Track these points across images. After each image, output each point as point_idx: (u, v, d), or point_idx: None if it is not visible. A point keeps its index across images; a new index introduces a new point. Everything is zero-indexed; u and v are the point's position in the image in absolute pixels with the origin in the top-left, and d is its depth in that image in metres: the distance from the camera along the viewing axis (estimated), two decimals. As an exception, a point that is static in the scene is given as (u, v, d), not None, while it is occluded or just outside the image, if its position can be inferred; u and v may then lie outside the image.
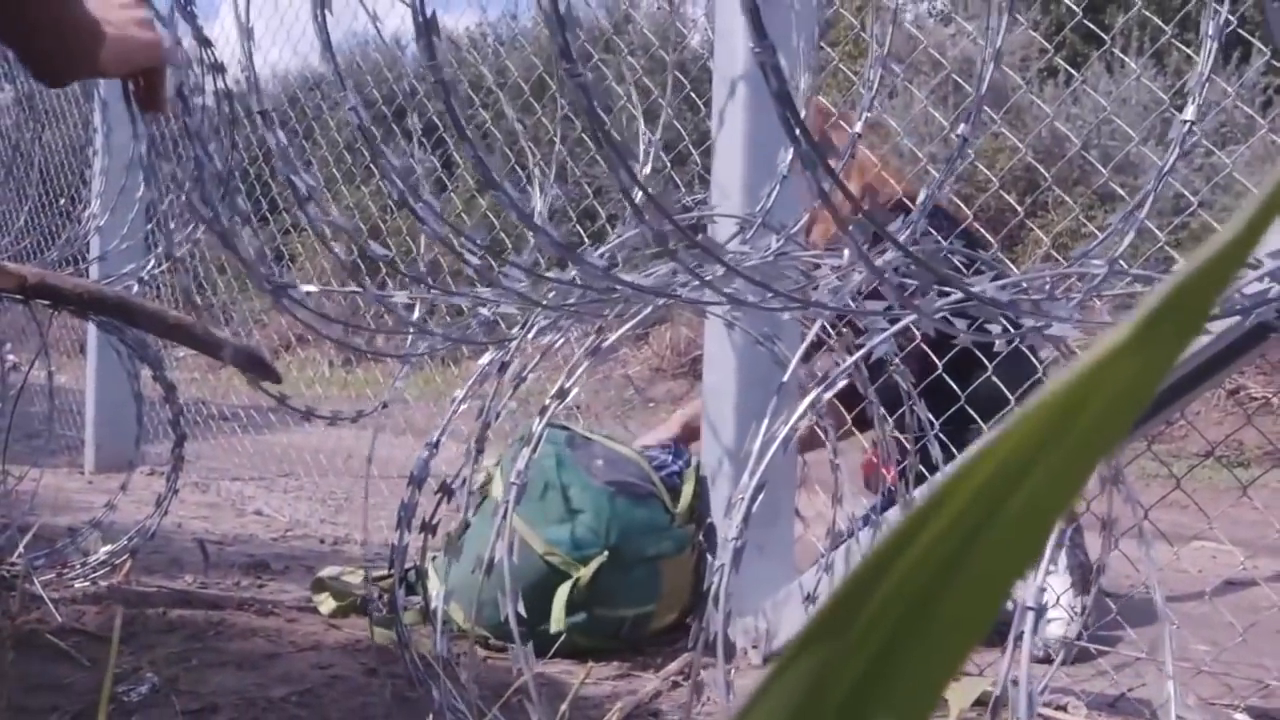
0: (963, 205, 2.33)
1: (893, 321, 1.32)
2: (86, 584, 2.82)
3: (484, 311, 1.84)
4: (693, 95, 3.15)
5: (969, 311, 1.23)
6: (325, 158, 5.17)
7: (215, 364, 2.83)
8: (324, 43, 1.45)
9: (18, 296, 2.55)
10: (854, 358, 1.34)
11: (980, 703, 1.98)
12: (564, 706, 1.45)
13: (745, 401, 2.45)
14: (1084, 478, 0.18)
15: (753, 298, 1.24)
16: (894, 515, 2.03)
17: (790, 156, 2.01)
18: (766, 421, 1.30)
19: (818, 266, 1.50)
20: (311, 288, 1.72)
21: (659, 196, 1.12)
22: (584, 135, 3.63)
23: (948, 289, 1.25)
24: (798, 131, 0.86)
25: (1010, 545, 0.18)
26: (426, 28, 1.24)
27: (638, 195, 1.14)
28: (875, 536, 2.03)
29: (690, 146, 3.06)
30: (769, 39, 0.94)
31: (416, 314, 1.67)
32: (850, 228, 0.94)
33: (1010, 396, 2.38)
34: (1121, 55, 2.96)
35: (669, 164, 3.14)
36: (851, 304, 1.26)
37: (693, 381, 10.90)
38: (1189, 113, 1.46)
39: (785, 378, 1.42)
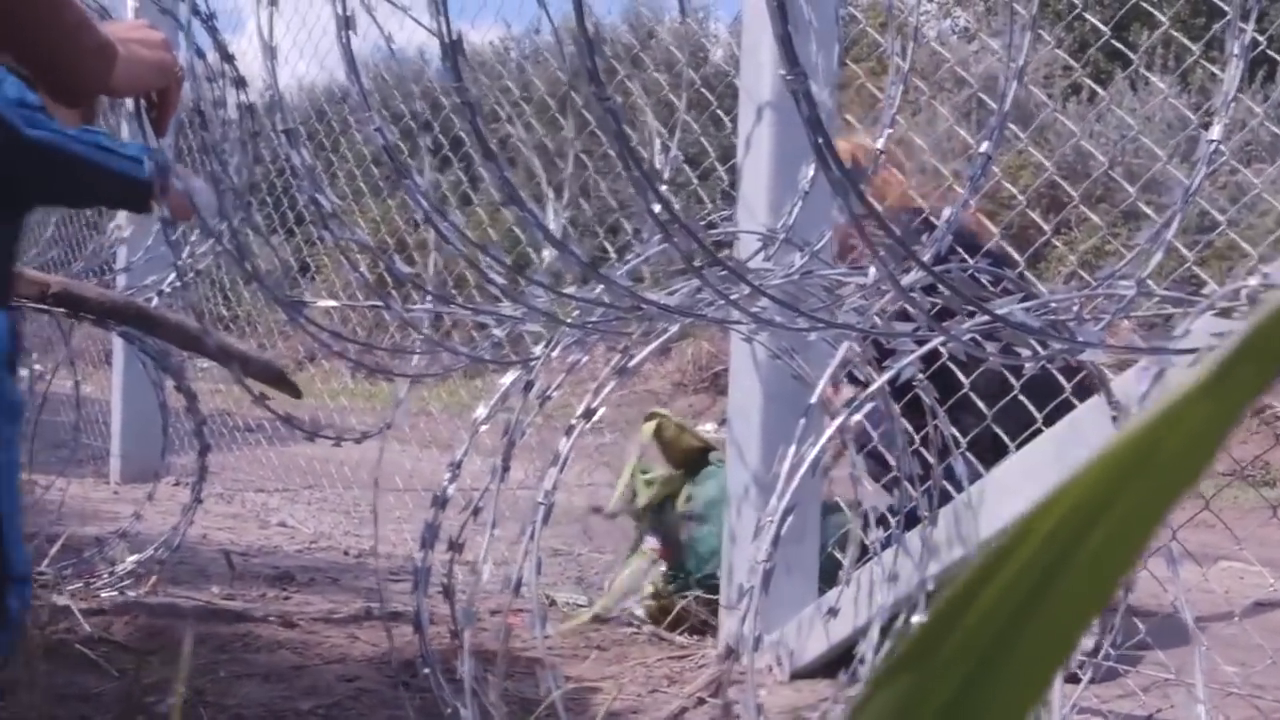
0: (987, 223, 2.32)
1: (920, 343, 1.32)
2: (114, 594, 2.83)
3: (497, 332, 1.84)
4: (718, 112, 3.15)
5: (996, 333, 1.23)
6: (352, 171, 5.19)
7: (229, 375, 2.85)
8: (349, 63, 1.46)
9: (41, 305, 2.57)
10: (881, 379, 1.34)
11: None
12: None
13: (770, 420, 2.45)
14: (1158, 520, 0.19)
15: (779, 318, 1.24)
16: (914, 536, 2.03)
17: (812, 172, 2.01)
18: (794, 446, 1.30)
19: (842, 285, 1.50)
20: (330, 303, 1.73)
21: (687, 218, 1.12)
22: (609, 152, 3.65)
23: (974, 310, 1.25)
24: (829, 157, 0.86)
25: (1085, 584, 0.18)
26: (453, 49, 1.25)
27: (662, 214, 1.15)
28: (896, 555, 2.02)
29: (716, 163, 3.06)
30: (800, 66, 0.94)
31: (430, 330, 1.68)
32: (881, 251, 0.94)
33: (1034, 411, 2.37)
34: (1146, 73, 2.95)
35: (695, 179, 3.15)
36: (878, 324, 1.26)
37: (715, 396, 10.88)
38: (1215, 132, 1.45)
39: (813, 399, 1.42)
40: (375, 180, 5.33)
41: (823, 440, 1.31)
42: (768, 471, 2.49)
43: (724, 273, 1.25)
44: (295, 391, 2.53)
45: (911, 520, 2.10)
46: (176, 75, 1.64)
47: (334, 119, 5.42)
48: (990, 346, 1.17)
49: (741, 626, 1.33)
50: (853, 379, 1.58)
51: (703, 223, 2.27)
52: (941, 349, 1.30)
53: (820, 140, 0.86)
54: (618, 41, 5.09)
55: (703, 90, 3.00)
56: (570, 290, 1.48)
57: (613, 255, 2.27)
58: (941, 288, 1.08)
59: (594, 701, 2.07)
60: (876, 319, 1.26)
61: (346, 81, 1.50)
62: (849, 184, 0.87)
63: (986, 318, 1.10)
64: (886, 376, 1.36)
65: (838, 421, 1.32)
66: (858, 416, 1.33)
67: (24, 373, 4.30)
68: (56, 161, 1.63)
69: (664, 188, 2.13)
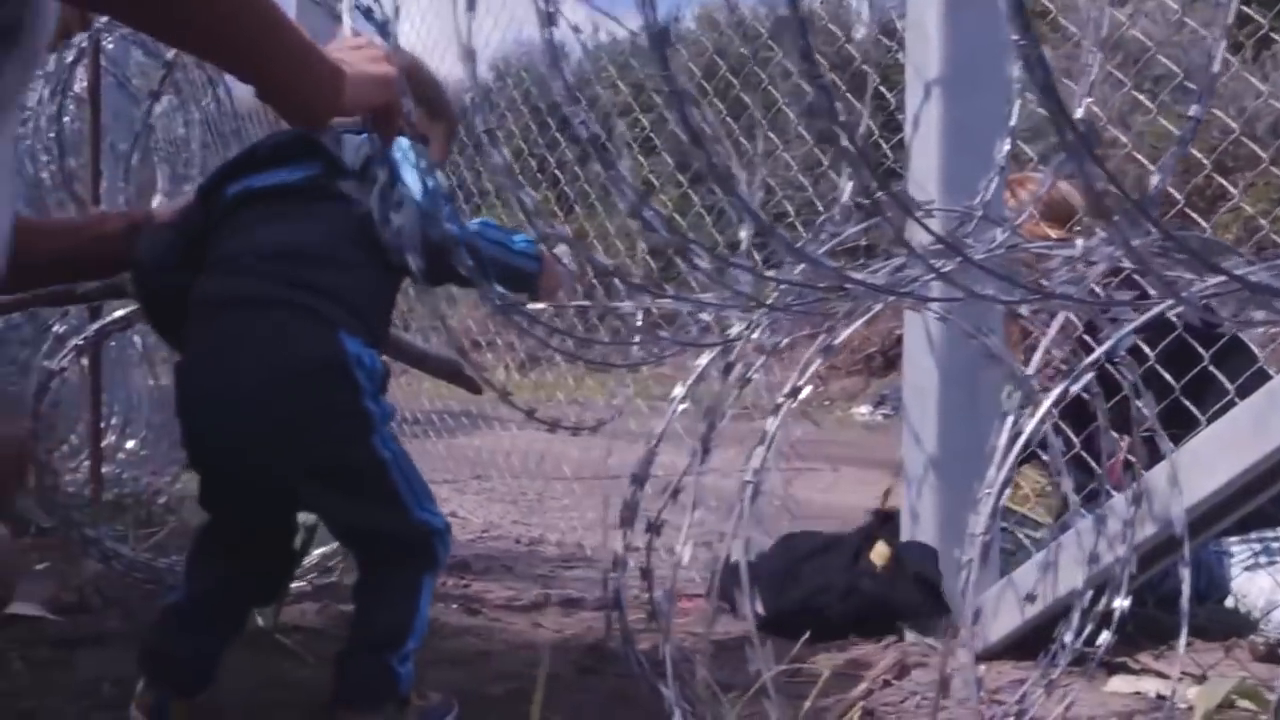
0: (1173, 191, 2.25)
1: (1141, 312, 1.29)
2: (303, 584, 2.93)
3: (704, 316, 1.86)
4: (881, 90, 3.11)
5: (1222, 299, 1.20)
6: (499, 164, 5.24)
7: (401, 368, 2.92)
8: (551, 57, 1.48)
9: None
10: (1099, 351, 1.31)
11: (1227, 705, 1.91)
12: (807, 705, 1.46)
13: (947, 401, 2.43)
14: None
15: (993, 291, 1.23)
16: (1119, 506, 1.97)
17: (1007, 148, 1.98)
18: (1011, 419, 1.28)
19: (1047, 258, 1.48)
20: (541, 305, 1.77)
21: (901, 196, 1.12)
22: (767, 135, 3.63)
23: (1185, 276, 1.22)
24: (1065, 121, 0.85)
25: None
26: (659, 39, 1.26)
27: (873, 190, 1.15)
28: (1099, 530, 1.98)
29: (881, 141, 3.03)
30: (1033, 31, 0.93)
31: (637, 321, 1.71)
32: (1115, 218, 0.92)
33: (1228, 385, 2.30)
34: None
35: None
36: (1094, 297, 1.24)
37: (867, 379, 10.78)
38: None
39: (1030, 369, 1.40)
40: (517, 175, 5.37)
41: (1041, 412, 1.30)
42: (945, 453, 2.46)
43: (936, 247, 1.25)
44: (476, 389, 2.58)
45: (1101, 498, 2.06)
46: (396, 90, 1.70)
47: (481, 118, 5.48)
48: (1223, 312, 1.14)
49: (961, 600, 1.32)
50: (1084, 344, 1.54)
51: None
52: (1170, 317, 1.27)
53: (1055, 106, 0.85)
54: (757, 22, 5.05)
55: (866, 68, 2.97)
56: (771, 273, 1.48)
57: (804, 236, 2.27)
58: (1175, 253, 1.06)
59: (796, 682, 2.07)
60: (1090, 293, 1.24)
61: (484, 71, 1.52)
62: (1086, 147, 0.86)
63: (1220, 280, 1.07)
64: (1108, 345, 1.34)
65: (1056, 392, 1.31)
66: (1077, 387, 1.31)
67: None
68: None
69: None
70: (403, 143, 1.90)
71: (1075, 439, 2.35)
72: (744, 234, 1.61)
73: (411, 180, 1.80)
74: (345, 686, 1.88)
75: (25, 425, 2.12)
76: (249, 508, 1.94)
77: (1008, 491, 1.43)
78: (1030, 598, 1.97)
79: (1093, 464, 2.25)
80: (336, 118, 1.68)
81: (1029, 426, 1.30)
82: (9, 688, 2.15)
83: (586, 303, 1.52)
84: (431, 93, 2.18)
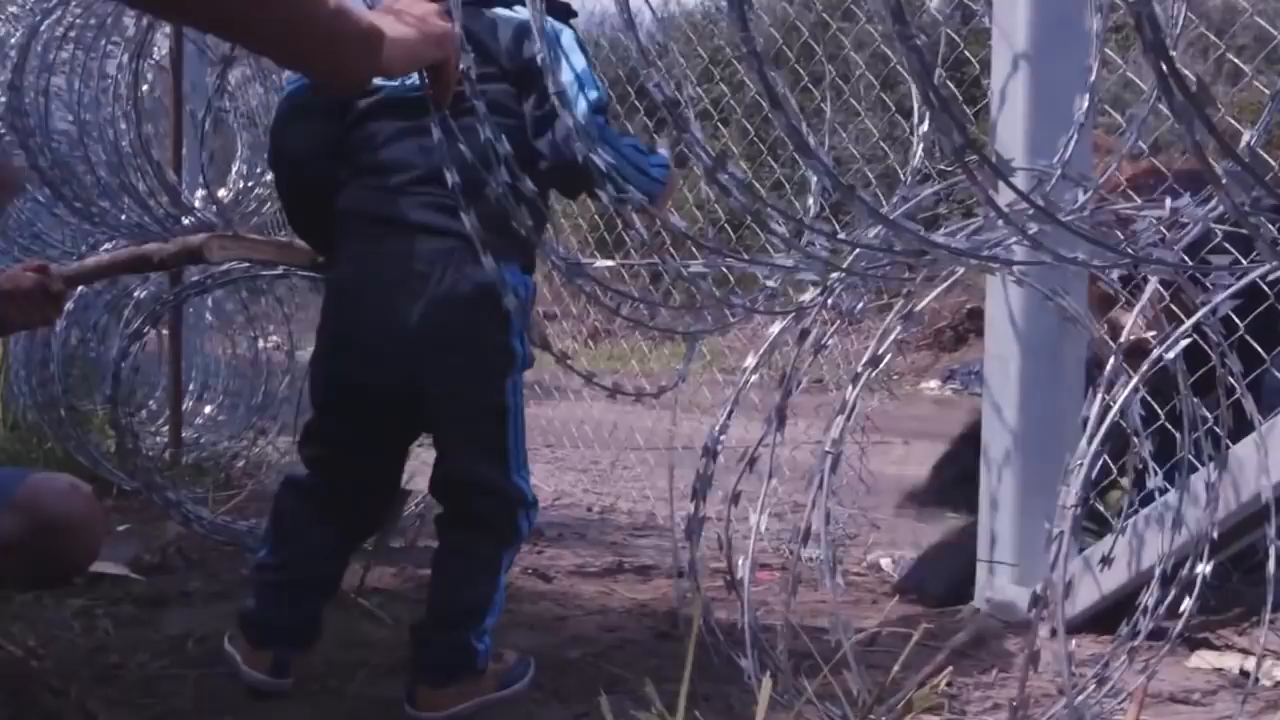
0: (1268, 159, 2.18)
1: (1239, 276, 1.26)
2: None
3: (770, 283, 1.84)
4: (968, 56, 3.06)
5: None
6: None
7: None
8: (626, 20, 1.47)
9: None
10: (1199, 314, 1.28)
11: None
12: (888, 680, 1.44)
13: (1028, 374, 2.38)
14: None
15: (1083, 255, 1.20)
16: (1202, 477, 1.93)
17: (1086, 104, 1.93)
18: (1102, 392, 1.25)
19: (1133, 220, 1.44)
20: (608, 263, 1.76)
21: (991, 157, 1.10)
22: (850, 101, 3.59)
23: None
24: (1174, 83, 0.82)
25: None
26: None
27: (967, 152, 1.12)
28: (1180, 501, 1.93)
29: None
30: (1145, -13, 0.90)
31: (709, 285, 1.69)
32: (1224, 180, 0.89)
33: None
34: None
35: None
36: (1189, 260, 1.20)
37: (936, 353, 10.65)
38: None
39: (1123, 339, 1.36)
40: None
41: (1135, 382, 1.26)
42: (1027, 429, 2.41)
43: (1020, 208, 1.22)
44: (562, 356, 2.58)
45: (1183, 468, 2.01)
46: (452, 46, 1.67)
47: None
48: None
49: (1051, 574, 1.30)
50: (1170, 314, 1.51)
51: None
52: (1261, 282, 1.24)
53: (1165, 65, 0.82)
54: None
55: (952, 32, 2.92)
56: (849, 236, 1.46)
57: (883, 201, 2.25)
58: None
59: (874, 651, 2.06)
60: (1186, 257, 1.20)
61: (623, 37, 1.51)
62: (1197, 108, 0.83)
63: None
64: (1205, 310, 1.30)
65: (1151, 357, 1.27)
66: (1171, 354, 1.27)
67: (263, 343, 4.58)
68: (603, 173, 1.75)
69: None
70: (559, 31, 1.89)
71: (1157, 407, 2.30)
72: (811, 201, 1.59)
73: (573, 91, 1.80)
74: (425, 664, 1.92)
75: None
76: (370, 438, 1.99)
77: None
78: (1107, 560, 1.93)
79: (1174, 432, 2.20)
80: (379, 79, 1.66)
81: (1120, 397, 1.27)
82: (97, 643, 2.21)
83: (655, 261, 1.50)
84: None
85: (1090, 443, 1.26)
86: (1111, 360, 1.30)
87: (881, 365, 1.50)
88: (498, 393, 1.89)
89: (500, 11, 1.95)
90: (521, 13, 1.88)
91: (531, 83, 1.85)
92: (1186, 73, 0.91)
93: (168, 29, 3.74)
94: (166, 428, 4.23)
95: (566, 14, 2.04)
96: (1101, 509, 2.37)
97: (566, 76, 1.83)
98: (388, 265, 1.87)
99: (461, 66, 1.69)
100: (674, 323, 1.87)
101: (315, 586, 2.02)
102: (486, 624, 1.92)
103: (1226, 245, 1.75)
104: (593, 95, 1.85)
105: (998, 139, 2.28)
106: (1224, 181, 0.89)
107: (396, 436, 2.05)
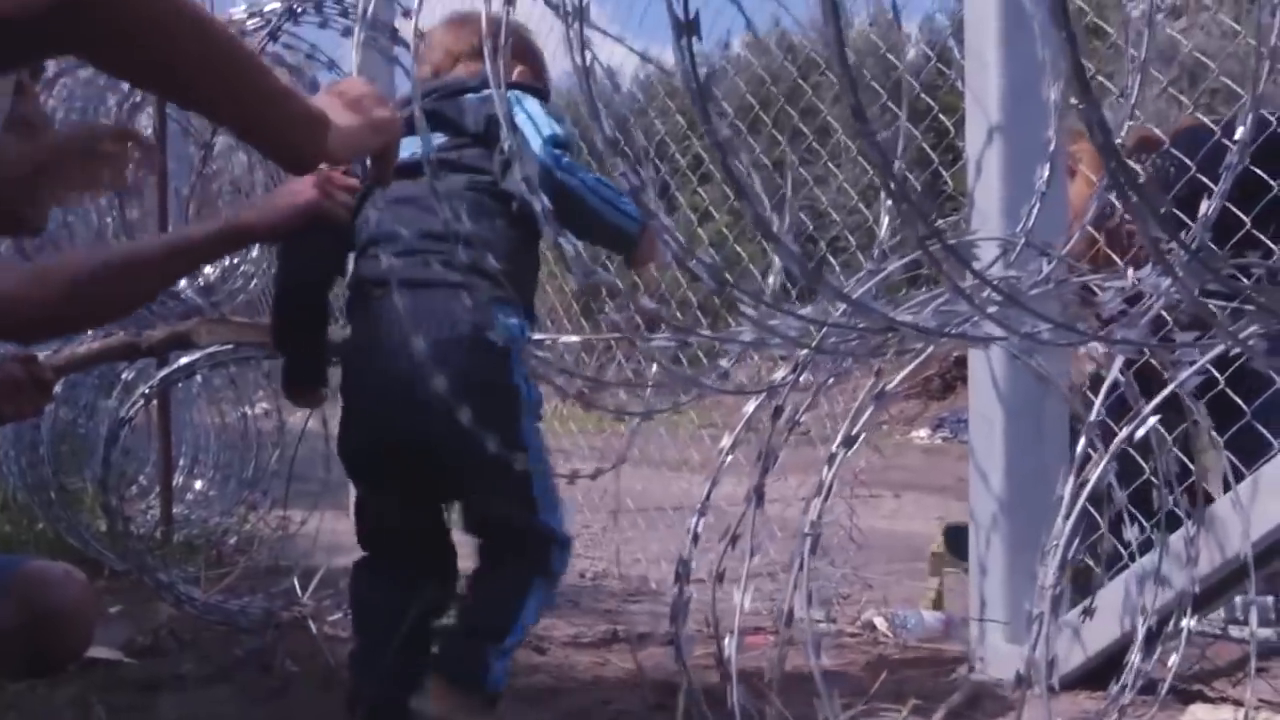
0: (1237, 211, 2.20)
1: (1206, 351, 1.27)
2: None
3: (724, 364, 1.87)
4: (942, 117, 3.10)
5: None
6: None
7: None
8: (590, 106, 1.50)
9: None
10: (1165, 391, 1.29)
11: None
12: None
13: (1012, 429, 2.40)
14: None
15: (1047, 335, 1.22)
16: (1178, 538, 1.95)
17: (1048, 173, 1.97)
18: (1073, 474, 1.27)
19: (1096, 291, 1.46)
20: (572, 338, 1.78)
21: (960, 248, 1.12)
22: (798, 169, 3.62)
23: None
24: (1127, 182, 0.84)
25: None
26: (701, 93, 1.27)
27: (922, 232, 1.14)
28: (1162, 558, 1.95)
29: (942, 168, 3.02)
30: (1093, 94, 0.92)
31: (668, 362, 1.71)
32: (1178, 273, 0.91)
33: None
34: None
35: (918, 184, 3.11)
36: (1153, 335, 1.22)
37: (925, 401, 10.66)
38: None
39: (1093, 416, 1.38)
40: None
41: (1105, 460, 1.28)
42: (1012, 495, 2.41)
43: (979, 288, 1.24)
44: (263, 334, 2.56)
45: (1170, 521, 2.02)
46: (394, 132, 1.69)
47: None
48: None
49: (1033, 653, 1.31)
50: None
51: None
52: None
53: (1116, 166, 0.85)
54: (805, 48, 5.04)
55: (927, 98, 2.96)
56: (813, 313, 1.48)
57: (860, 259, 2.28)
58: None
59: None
60: (1151, 334, 1.22)
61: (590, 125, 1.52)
62: (1151, 207, 0.85)
63: None
64: (1171, 387, 1.32)
65: (1121, 435, 1.29)
66: (1141, 431, 1.29)
67: (251, 410, 4.57)
68: (571, 207, 1.87)
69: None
70: (521, 97, 1.98)
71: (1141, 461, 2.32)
72: (771, 279, 1.62)
73: (529, 131, 1.90)
74: (441, 659, 1.98)
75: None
76: (402, 500, 2.05)
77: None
78: (1088, 612, 1.95)
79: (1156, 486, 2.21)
80: (325, 164, 1.68)
81: (1094, 475, 1.29)
82: (92, 734, 2.20)
83: (616, 334, 1.52)
84: (533, 60, 2.26)
85: (1064, 522, 1.27)
86: (1084, 437, 1.32)
87: (854, 447, 1.51)
88: (513, 435, 1.93)
89: (469, 96, 2.07)
90: (487, 93, 1.94)
91: (497, 136, 1.91)
92: (1136, 167, 0.94)
93: (151, 109, 3.78)
94: (157, 503, 4.22)
95: (541, 97, 2.12)
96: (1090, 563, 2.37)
97: (521, 118, 1.91)
98: (384, 325, 1.94)
99: (435, 143, 1.76)
100: (628, 402, 1.90)
101: (404, 659, 2.00)
102: (507, 644, 1.96)
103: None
104: (547, 131, 1.94)
105: (975, 207, 2.31)
106: (1179, 274, 0.91)
107: (428, 493, 2.09)
